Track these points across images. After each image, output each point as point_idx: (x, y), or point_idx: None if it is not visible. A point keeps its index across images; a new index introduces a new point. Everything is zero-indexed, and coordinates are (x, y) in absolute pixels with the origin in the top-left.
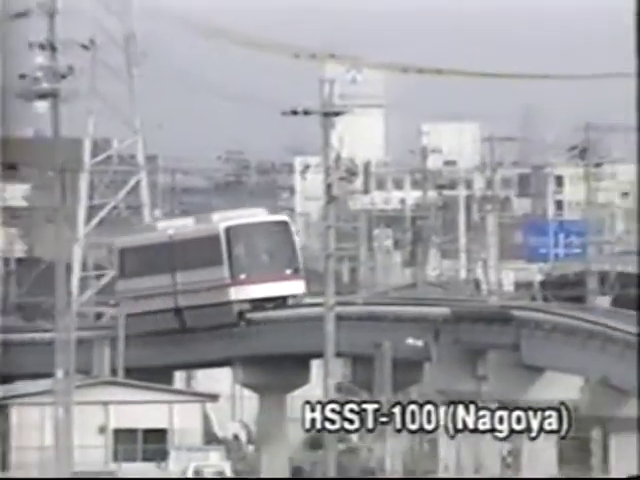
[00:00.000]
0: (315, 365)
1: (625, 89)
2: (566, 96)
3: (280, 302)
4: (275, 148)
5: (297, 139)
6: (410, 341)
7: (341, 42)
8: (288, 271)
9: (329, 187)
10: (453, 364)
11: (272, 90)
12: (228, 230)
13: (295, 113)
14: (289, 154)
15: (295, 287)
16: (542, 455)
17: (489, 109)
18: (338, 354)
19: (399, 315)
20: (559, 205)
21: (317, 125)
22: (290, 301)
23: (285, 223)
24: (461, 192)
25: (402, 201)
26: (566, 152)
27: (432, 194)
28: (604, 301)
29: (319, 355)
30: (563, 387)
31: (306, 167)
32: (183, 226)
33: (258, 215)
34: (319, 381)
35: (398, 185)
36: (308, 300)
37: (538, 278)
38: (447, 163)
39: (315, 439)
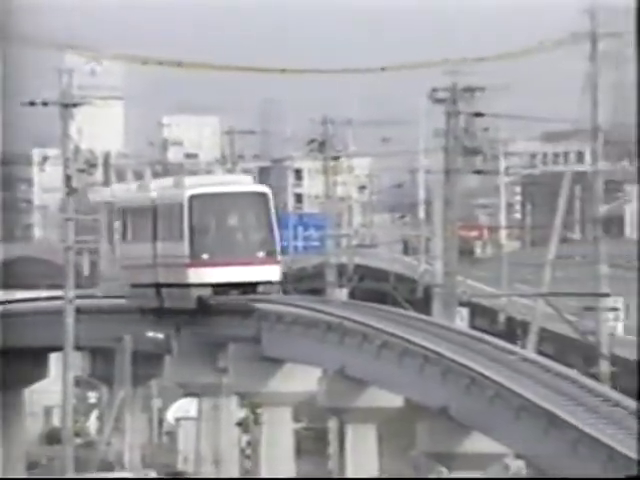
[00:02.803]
0: (53, 358)
1: (359, 84)
2: (303, 90)
3: (249, 289)
4: (13, 139)
5: (36, 130)
6: (150, 334)
7: (81, 33)
8: (261, 254)
9: (68, 179)
10: (194, 357)
11: (11, 81)
12: (192, 199)
13: (33, 104)
14: (27, 145)
15: (268, 273)
16: (280, 445)
17: (230, 102)
18: (77, 347)
19: (141, 307)
20: (298, 198)
21: (56, 116)
22: (261, 288)
23: (264, 195)
24: None
25: None
26: (305, 145)
27: None
28: (342, 293)
29: (58, 349)
30: (302, 379)
31: (44, 159)
32: (163, 188)
33: (242, 182)
34: (59, 375)
35: (138, 177)
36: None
37: None
38: (188, 156)
39: (52, 433)
